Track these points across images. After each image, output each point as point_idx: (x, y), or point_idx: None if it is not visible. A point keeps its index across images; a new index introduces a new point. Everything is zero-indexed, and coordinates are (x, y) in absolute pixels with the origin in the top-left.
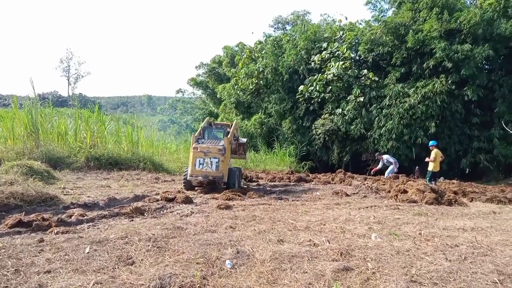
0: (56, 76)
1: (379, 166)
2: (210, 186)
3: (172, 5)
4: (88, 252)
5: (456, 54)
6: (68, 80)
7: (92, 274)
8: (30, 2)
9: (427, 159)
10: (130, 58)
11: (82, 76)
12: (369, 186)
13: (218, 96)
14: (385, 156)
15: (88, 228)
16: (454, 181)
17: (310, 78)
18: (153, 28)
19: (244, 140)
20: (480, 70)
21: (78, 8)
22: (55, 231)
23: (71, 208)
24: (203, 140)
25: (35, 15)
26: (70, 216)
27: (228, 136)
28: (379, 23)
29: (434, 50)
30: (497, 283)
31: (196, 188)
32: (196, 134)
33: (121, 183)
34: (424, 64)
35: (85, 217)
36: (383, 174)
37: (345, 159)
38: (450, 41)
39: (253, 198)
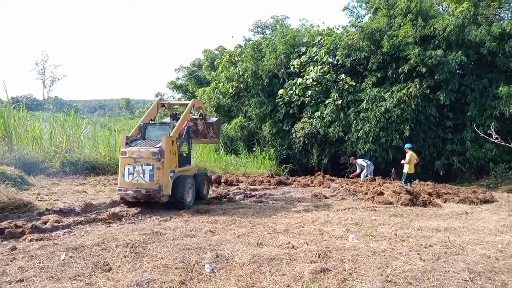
0: (31, 79)
1: (358, 170)
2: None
3: (152, 8)
4: (63, 259)
5: (430, 60)
6: (44, 83)
7: (68, 282)
8: (2, 3)
9: (402, 161)
10: (108, 61)
11: (58, 79)
12: (347, 189)
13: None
14: (359, 160)
15: (63, 235)
16: (429, 182)
17: (289, 82)
18: (132, 31)
19: (214, 119)
20: (453, 75)
21: (54, 10)
22: (29, 239)
23: (46, 215)
24: (138, 141)
25: (8, 17)
26: (45, 223)
27: (171, 134)
28: (356, 28)
29: (409, 55)
30: (467, 280)
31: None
32: (131, 134)
33: (98, 188)
34: (400, 69)
35: (60, 224)
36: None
37: (324, 161)
38: (424, 46)
39: (233, 202)
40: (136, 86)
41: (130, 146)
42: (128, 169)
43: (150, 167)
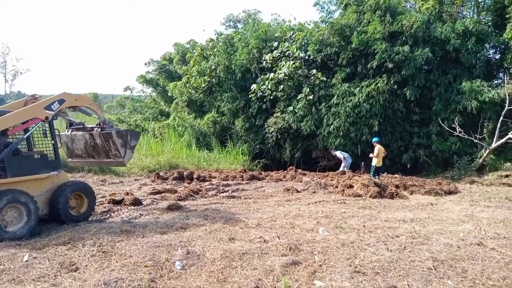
0: None
1: (343, 162)
2: None
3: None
4: (26, 260)
5: (397, 56)
6: (5, 77)
7: (31, 283)
8: None
9: (371, 155)
10: (74, 53)
11: (21, 73)
12: (318, 182)
13: (169, 94)
14: (337, 152)
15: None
16: (396, 175)
17: (262, 77)
18: (100, 22)
19: (114, 129)
20: (419, 70)
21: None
22: None
23: None
24: None
25: None
26: None
27: None
28: (326, 24)
29: (377, 51)
30: (431, 269)
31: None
32: None
33: None
34: (368, 65)
35: None
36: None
37: (296, 156)
38: (393, 42)
39: (205, 198)
40: (104, 80)
41: None
42: None
43: None
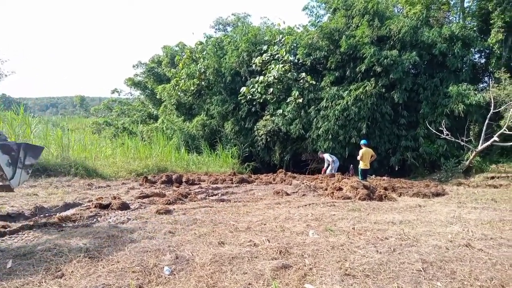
0: None
1: (326, 164)
2: None
3: (109, 1)
4: (10, 267)
5: (385, 59)
6: None
7: None
8: None
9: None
10: (61, 56)
11: (6, 75)
12: (308, 185)
13: (158, 97)
14: (325, 155)
15: (11, 241)
16: (385, 177)
17: (251, 80)
18: (87, 24)
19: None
20: (407, 74)
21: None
22: None
23: None
24: None
25: None
26: None
27: None
28: (316, 28)
29: (365, 55)
30: (421, 271)
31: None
32: None
33: (49, 191)
34: (357, 68)
35: (7, 229)
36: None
37: (286, 158)
38: (381, 46)
39: (194, 201)
40: (91, 83)
41: None
42: None
43: None
